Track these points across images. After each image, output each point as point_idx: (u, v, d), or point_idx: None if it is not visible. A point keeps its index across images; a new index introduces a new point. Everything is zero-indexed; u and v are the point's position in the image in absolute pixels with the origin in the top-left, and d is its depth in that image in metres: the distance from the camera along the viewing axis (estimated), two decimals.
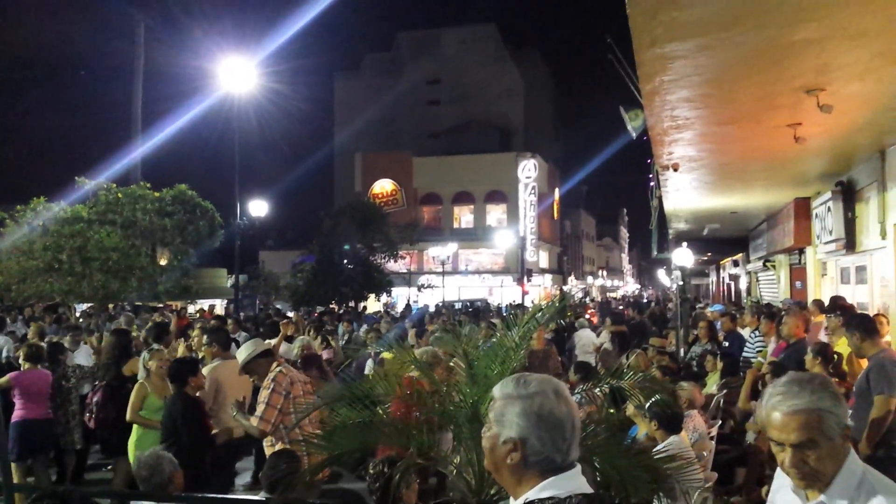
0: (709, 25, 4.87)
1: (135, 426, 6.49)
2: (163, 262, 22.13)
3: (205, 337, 6.88)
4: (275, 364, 5.48)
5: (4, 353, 9.78)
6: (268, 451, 5.32)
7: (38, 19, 33.24)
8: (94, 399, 7.30)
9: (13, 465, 6.96)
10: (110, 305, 18.70)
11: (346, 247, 29.85)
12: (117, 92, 36.06)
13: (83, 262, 16.60)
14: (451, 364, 7.51)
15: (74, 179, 19.49)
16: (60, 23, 33.97)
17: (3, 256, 16.84)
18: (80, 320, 16.26)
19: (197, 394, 5.95)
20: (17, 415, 7.31)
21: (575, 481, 1.85)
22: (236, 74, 20.92)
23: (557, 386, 1.92)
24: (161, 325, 9.54)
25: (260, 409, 5.18)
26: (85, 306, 18.19)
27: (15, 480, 7.07)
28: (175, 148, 31.35)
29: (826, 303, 9.37)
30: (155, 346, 7.31)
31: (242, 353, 5.64)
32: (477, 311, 21.88)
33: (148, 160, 32.30)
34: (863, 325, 5.64)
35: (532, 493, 1.84)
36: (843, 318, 7.14)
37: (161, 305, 22.29)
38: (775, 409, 2.06)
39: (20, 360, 7.71)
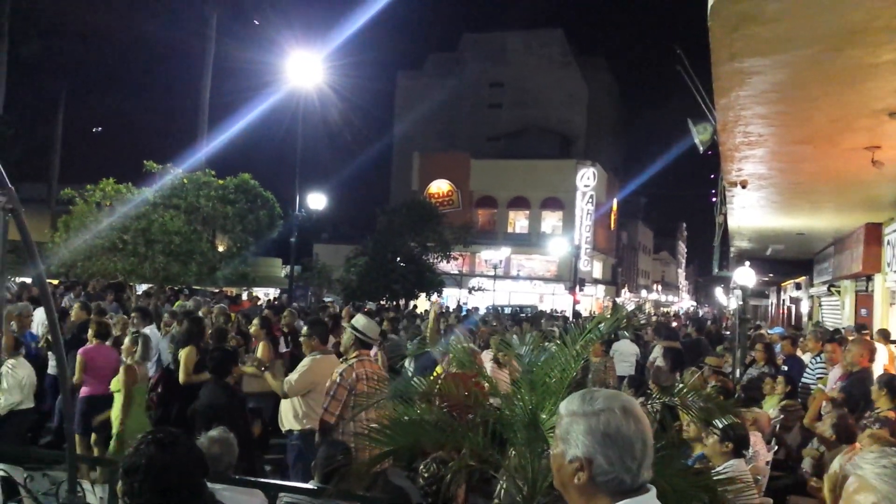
0: (791, 42, 4.76)
1: (119, 403, 6.65)
2: (221, 249, 22.55)
3: (304, 328, 7.01)
4: (354, 354, 5.61)
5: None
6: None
7: (112, 6, 34.26)
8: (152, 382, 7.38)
9: (77, 436, 7.18)
10: (167, 287, 19.19)
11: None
12: (187, 82, 36.96)
13: (146, 244, 17.00)
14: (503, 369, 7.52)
15: (142, 163, 19.98)
16: (134, 11, 34.97)
17: (72, 234, 17.33)
18: (140, 300, 16.71)
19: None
20: (84, 391, 7.44)
21: None
22: (302, 69, 21.31)
23: (626, 402, 1.85)
24: (143, 309, 9.74)
25: (325, 400, 5.29)
26: (145, 287, 18.69)
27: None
28: (240, 138, 31.98)
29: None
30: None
31: (361, 324, 5.83)
32: (535, 318, 21.70)
33: (213, 149, 33.05)
34: None
35: None
36: None
37: (217, 291, 22.81)
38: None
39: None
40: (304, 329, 6.89)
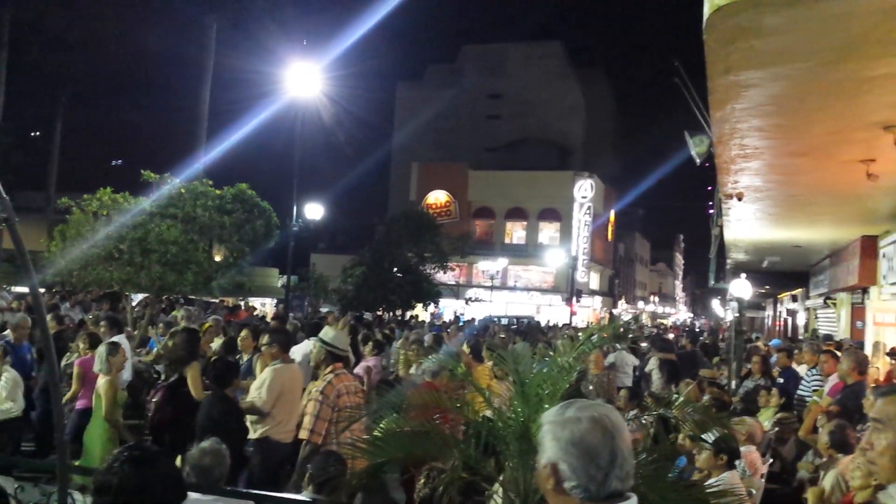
0: (787, 55, 4.78)
1: (96, 421, 6.56)
2: (218, 259, 22.45)
3: (265, 337, 6.87)
4: (329, 370, 5.55)
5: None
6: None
7: (112, 16, 34.32)
8: (154, 399, 7.16)
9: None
10: (163, 297, 19.10)
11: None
12: (187, 91, 36.98)
13: (142, 253, 16.91)
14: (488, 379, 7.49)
15: (140, 173, 19.94)
16: (133, 20, 35.01)
17: (68, 243, 17.26)
18: (136, 310, 16.63)
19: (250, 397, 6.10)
20: (81, 403, 7.31)
21: None
22: (302, 79, 21.37)
23: (599, 413, 1.88)
24: (112, 317, 9.51)
25: (309, 421, 5.26)
26: (140, 296, 18.62)
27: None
28: (238, 148, 32.02)
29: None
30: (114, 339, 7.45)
31: (330, 336, 5.76)
32: (530, 330, 21.71)
33: (212, 158, 33.08)
34: None
35: None
36: None
37: (215, 301, 22.77)
38: None
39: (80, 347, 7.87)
40: (265, 338, 6.78)
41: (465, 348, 9.42)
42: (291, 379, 6.35)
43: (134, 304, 17.52)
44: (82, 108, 42.19)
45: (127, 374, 8.59)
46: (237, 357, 8.75)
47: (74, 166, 42.23)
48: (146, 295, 18.16)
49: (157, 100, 45.22)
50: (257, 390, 6.19)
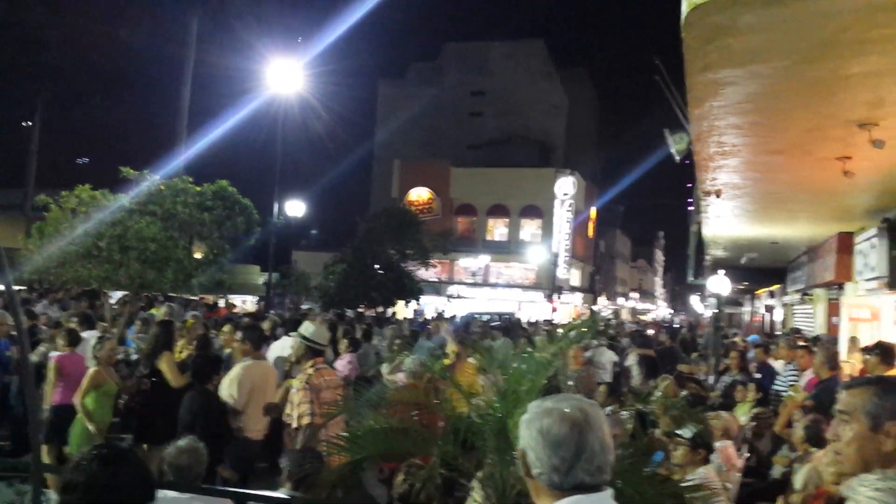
0: (764, 54, 4.81)
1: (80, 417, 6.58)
2: (198, 256, 22.29)
3: (238, 333, 6.86)
4: (310, 364, 5.56)
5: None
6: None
7: (91, 13, 33.94)
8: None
9: (45, 446, 7.02)
10: (142, 295, 18.94)
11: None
12: (167, 88, 36.64)
13: (121, 251, 16.76)
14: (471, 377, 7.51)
15: (119, 169, 19.74)
16: (113, 16, 34.61)
17: (45, 240, 17.08)
18: (115, 308, 16.49)
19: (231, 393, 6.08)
20: (55, 399, 7.25)
21: None
22: (283, 76, 21.32)
23: (570, 407, 1.92)
24: (83, 313, 9.46)
25: (305, 408, 5.28)
26: (119, 294, 18.46)
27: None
28: (220, 144, 31.79)
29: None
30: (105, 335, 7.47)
31: (311, 331, 5.73)
32: (512, 326, 21.75)
33: (193, 155, 32.82)
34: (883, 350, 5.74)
35: None
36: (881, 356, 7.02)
37: (195, 298, 22.61)
38: None
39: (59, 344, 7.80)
40: (238, 335, 6.80)
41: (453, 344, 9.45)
42: (262, 375, 6.34)
43: (113, 301, 17.37)
44: (61, 105, 41.71)
45: None
46: (217, 353, 8.75)
47: (53, 163, 41.75)
48: (125, 293, 18.02)
49: (137, 96, 44.75)
50: (227, 388, 6.18)
